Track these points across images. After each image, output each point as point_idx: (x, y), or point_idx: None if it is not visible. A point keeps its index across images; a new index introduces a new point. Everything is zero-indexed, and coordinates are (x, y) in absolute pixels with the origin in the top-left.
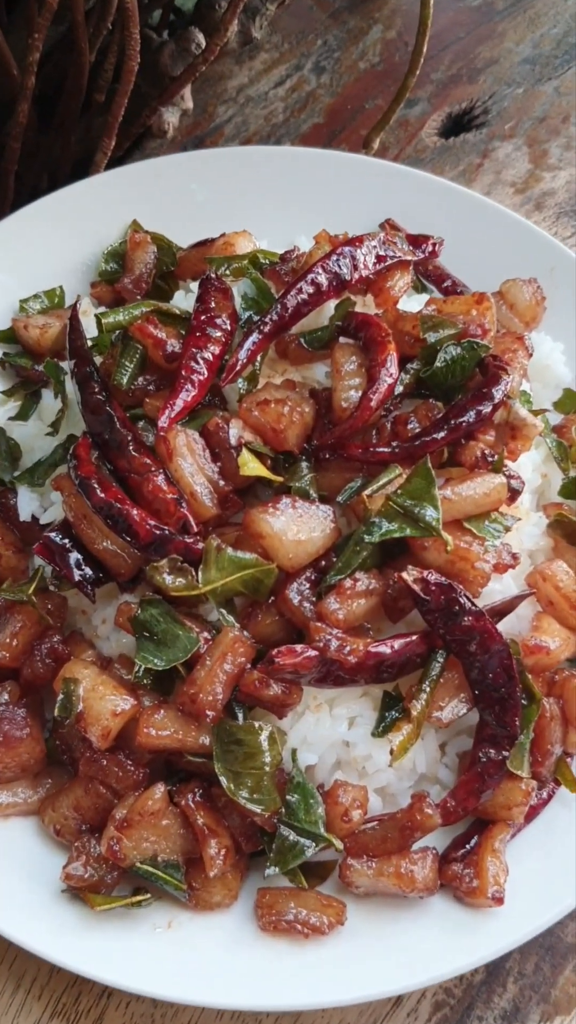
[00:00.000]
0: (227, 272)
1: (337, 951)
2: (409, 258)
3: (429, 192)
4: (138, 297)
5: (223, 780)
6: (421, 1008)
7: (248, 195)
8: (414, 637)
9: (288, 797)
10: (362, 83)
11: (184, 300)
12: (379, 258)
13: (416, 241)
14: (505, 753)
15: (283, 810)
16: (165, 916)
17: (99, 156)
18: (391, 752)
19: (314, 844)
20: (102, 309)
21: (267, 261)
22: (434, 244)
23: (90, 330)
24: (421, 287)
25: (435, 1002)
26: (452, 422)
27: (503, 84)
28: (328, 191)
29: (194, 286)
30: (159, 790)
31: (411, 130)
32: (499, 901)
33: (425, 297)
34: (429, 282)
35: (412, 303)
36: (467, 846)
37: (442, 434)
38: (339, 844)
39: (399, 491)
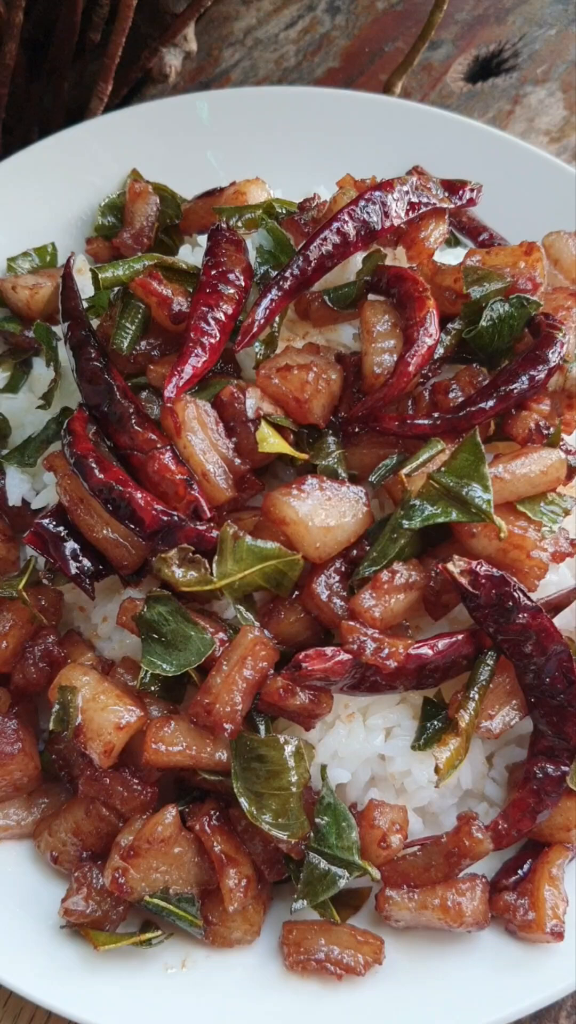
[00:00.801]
0: (239, 224)
1: (374, 994)
2: (445, 205)
3: (460, 136)
4: (139, 253)
5: (243, 802)
6: None
7: (261, 140)
8: (460, 637)
9: (317, 820)
10: (380, 24)
11: (191, 255)
12: (412, 205)
13: (452, 187)
14: (564, 768)
15: (312, 835)
16: (178, 955)
17: (94, 103)
18: (436, 770)
19: (348, 873)
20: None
21: (284, 210)
22: (472, 190)
23: (86, 290)
24: (454, 241)
25: None
26: (501, 389)
27: (534, 25)
28: (349, 136)
29: (202, 240)
30: (170, 814)
31: (435, 74)
32: (559, 936)
33: (461, 251)
34: (463, 235)
35: (446, 258)
36: (520, 872)
37: (490, 403)
38: (376, 873)
39: (442, 469)
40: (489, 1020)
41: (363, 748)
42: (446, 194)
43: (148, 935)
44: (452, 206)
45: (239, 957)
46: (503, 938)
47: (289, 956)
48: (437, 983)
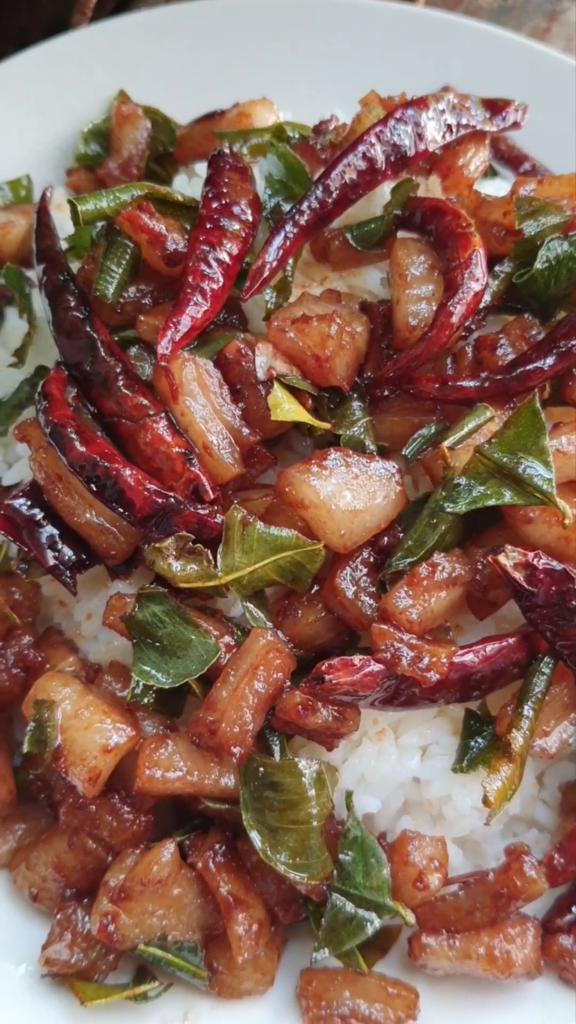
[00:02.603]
0: (244, 150)
1: None
2: (487, 128)
3: (496, 51)
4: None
5: (255, 838)
6: None
7: (268, 55)
8: (510, 641)
9: (342, 856)
10: None
11: (187, 187)
12: (448, 127)
13: (493, 107)
14: None
15: (335, 873)
16: (179, 1007)
17: (77, 16)
18: (486, 802)
19: (377, 917)
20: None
21: (296, 135)
22: (517, 111)
23: (65, 228)
24: (491, 172)
25: None
26: (561, 345)
27: None
28: (368, 49)
29: (200, 169)
30: (168, 851)
31: None
32: None
33: (501, 184)
34: (502, 164)
35: (485, 190)
36: (575, 911)
37: (549, 361)
38: (411, 917)
39: (492, 441)
40: None
41: (395, 771)
42: (487, 115)
43: (143, 987)
44: (494, 128)
45: (249, 1009)
46: (557, 988)
47: (308, 1011)
48: None
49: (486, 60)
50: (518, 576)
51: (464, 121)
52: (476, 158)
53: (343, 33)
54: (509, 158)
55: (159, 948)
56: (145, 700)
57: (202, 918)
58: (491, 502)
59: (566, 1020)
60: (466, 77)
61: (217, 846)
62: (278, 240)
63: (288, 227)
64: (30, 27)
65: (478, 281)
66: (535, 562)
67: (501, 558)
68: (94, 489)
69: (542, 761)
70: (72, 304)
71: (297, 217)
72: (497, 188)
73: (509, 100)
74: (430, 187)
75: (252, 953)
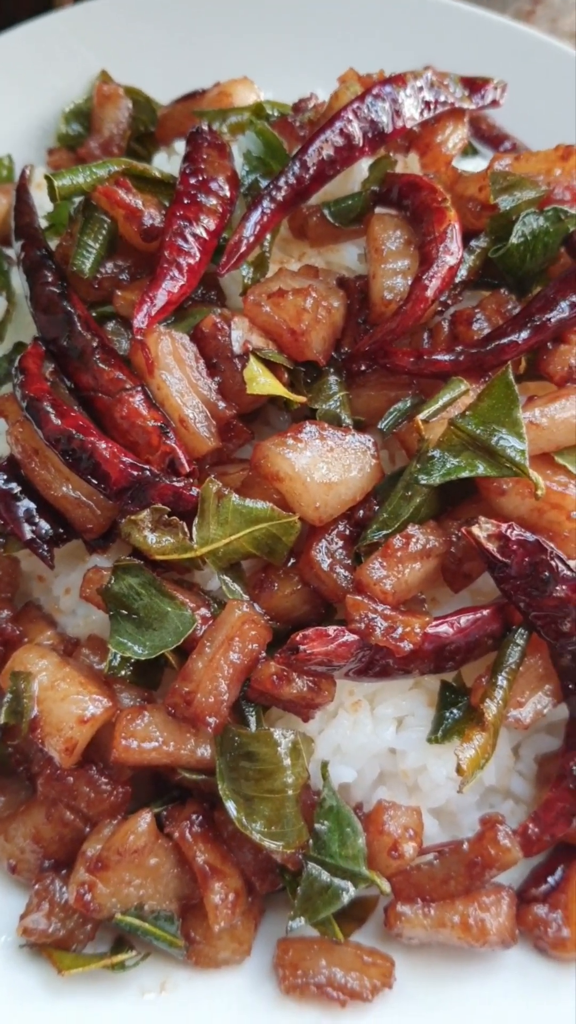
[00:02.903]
0: (223, 129)
1: (383, 1022)
2: (466, 105)
3: (478, 31)
4: None
5: (231, 808)
6: None
7: (249, 34)
8: (485, 612)
9: (317, 825)
10: None
11: (167, 164)
12: (427, 104)
13: (472, 85)
14: None
15: (311, 842)
16: (156, 977)
17: None
18: (458, 771)
19: (353, 886)
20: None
21: (276, 113)
22: (496, 88)
23: (45, 207)
24: (471, 150)
25: None
26: (535, 319)
27: None
28: (350, 29)
29: (180, 147)
30: (144, 820)
31: None
32: None
33: (480, 162)
34: (482, 143)
35: (465, 167)
36: (551, 881)
37: (524, 335)
38: (386, 886)
39: (467, 414)
40: None
41: (371, 741)
42: (466, 92)
43: (121, 956)
44: (473, 106)
45: (227, 979)
46: (531, 957)
47: (285, 979)
48: (455, 1010)
49: (469, 41)
50: (491, 547)
51: (442, 98)
52: (454, 135)
53: (326, 13)
54: (490, 137)
55: (136, 917)
56: (123, 672)
57: (179, 888)
58: (465, 474)
59: (541, 988)
60: (449, 58)
61: (194, 816)
62: (255, 215)
63: (266, 203)
64: (16, 7)
65: (453, 255)
66: (508, 533)
67: (475, 529)
68: (70, 462)
69: (518, 733)
70: (50, 280)
71: (275, 193)
72: (477, 167)
73: (488, 78)
74: (408, 164)
75: (228, 922)
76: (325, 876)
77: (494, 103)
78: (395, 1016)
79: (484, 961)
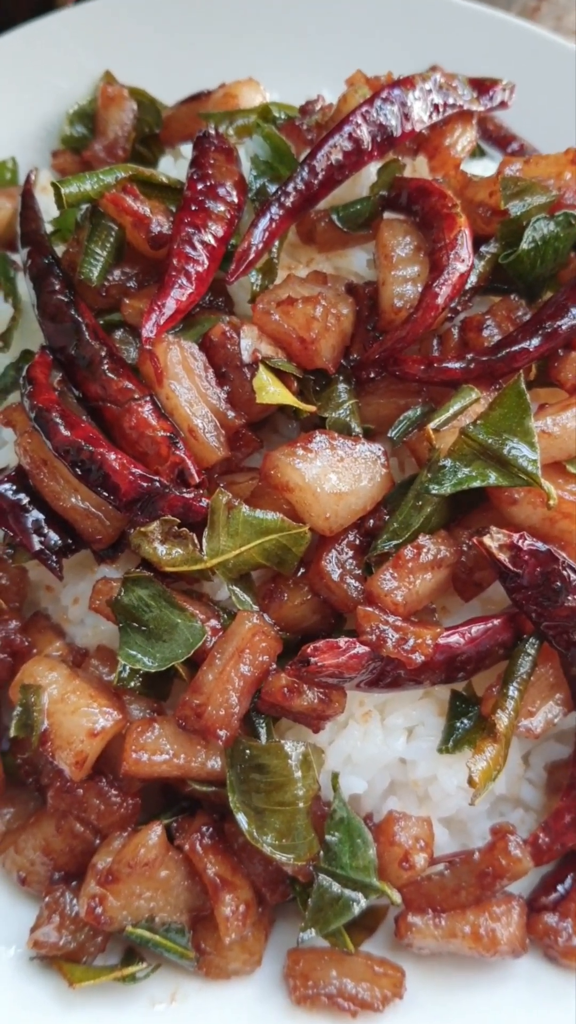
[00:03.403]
0: (230, 131)
1: None
2: (474, 107)
3: (484, 30)
4: None
5: (241, 820)
6: None
7: (255, 34)
8: (496, 622)
9: (328, 837)
10: None
11: (174, 168)
12: (435, 107)
13: (480, 87)
14: None
15: (321, 854)
16: (167, 988)
17: None
18: (470, 782)
19: (364, 897)
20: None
21: (283, 115)
22: (505, 90)
23: (51, 211)
24: (479, 152)
25: None
26: (547, 326)
27: None
28: (355, 30)
29: (186, 150)
30: (155, 833)
31: None
32: None
33: (488, 163)
34: (489, 144)
35: (473, 170)
36: (560, 889)
37: (535, 342)
38: (396, 897)
39: (478, 423)
40: None
41: (381, 752)
42: (475, 94)
43: (131, 968)
44: (482, 108)
45: (237, 990)
46: (542, 965)
47: (295, 989)
48: (466, 1019)
49: (475, 40)
50: (503, 557)
51: (451, 101)
52: (463, 138)
53: (331, 12)
54: (497, 138)
55: (147, 930)
56: (132, 684)
57: (189, 900)
58: (476, 483)
59: (551, 997)
60: (455, 57)
61: (204, 828)
62: (264, 222)
63: (274, 209)
64: (17, 7)
65: (464, 262)
66: (520, 543)
67: (486, 539)
68: (79, 473)
69: (528, 741)
70: (57, 287)
71: (283, 199)
72: (485, 168)
73: (497, 79)
74: (417, 167)
75: (239, 934)
76: (336, 887)
77: (503, 104)
78: None
79: (494, 970)
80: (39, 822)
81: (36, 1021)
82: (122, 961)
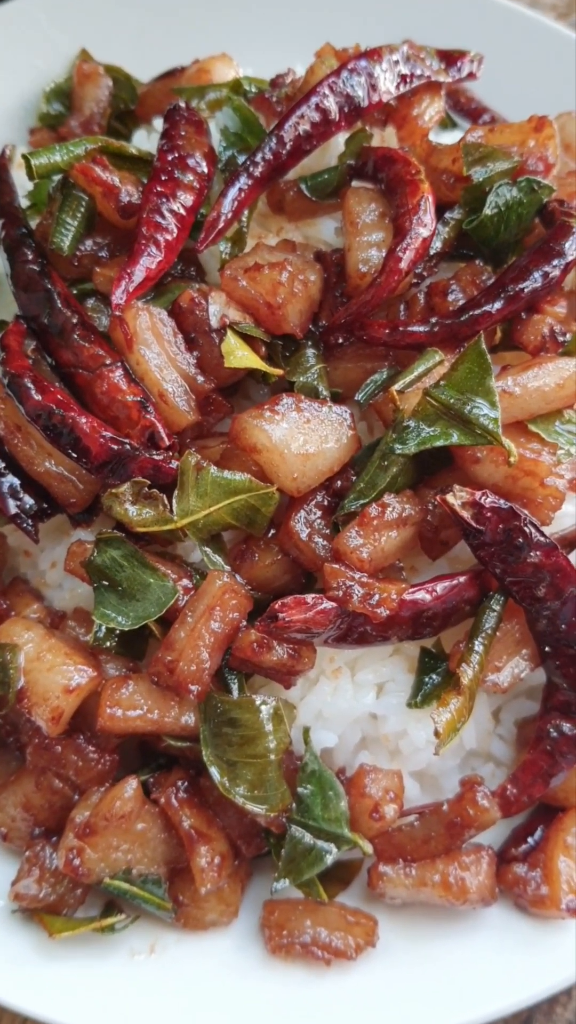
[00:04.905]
0: (202, 106)
1: (367, 980)
2: (441, 78)
3: (456, 5)
4: None
5: (214, 773)
6: None
7: (226, 10)
8: (461, 579)
9: (300, 789)
10: None
11: (147, 141)
12: (402, 78)
13: (449, 58)
14: None
15: (294, 806)
16: (146, 939)
17: None
18: (436, 733)
19: (336, 848)
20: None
21: (254, 88)
22: (472, 61)
23: (26, 186)
24: (450, 123)
25: None
26: (509, 289)
27: None
28: (329, 6)
29: (160, 125)
30: (130, 787)
31: None
32: (575, 912)
33: (458, 135)
34: (461, 116)
35: (443, 140)
36: (531, 841)
37: (497, 306)
38: (368, 847)
39: (441, 384)
40: (497, 1007)
41: (352, 707)
42: (442, 65)
43: (110, 919)
44: (449, 79)
45: (214, 941)
46: (512, 914)
47: (271, 939)
48: (437, 966)
49: (446, 14)
50: (466, 515)
51: (418, 72)
52: (430, 108)
53: None
54: (468, 110)
55: (124, 881)
56: (108, 644)
57: (166, 852)
58: (439, 443)
59: (521, 944)
60: (426, 31)
61: (179, 783)
62: (233, 192)
63: (243, 178)
64: None
65: (426, 227)
66: (483, 501)
67: (449, 497)
68: (51, 437)
69: (498, 697)
70: (30, 258)
71: (252, 168)
72: (455, 140)
73: (465, 51)
74: (386, 137)
75: (215, 885)
76: (308, 838)
77: (471, 76)
78: (379, 973)
79: (466, 919)
80: (19, 779)
81: (18, 971)
82: (101, 913)
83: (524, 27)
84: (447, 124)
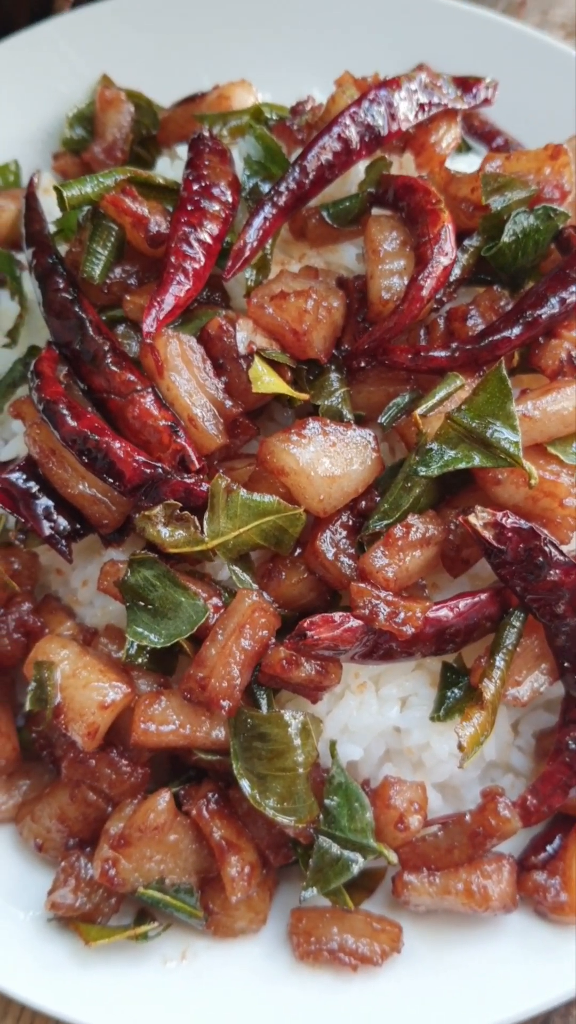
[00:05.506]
0: (223, 132)
1: (392, 985)
2: (458, 105)
3: (469, 28)
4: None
5: (245, 785)
6: None
7: (245, 37)
8: (483, 596)
9: (327, 801)
10: None
11: (171, 169)
12: (421, 106)
13: (464, 85)
14: None
15: (321, 817)
16: (177, 946)
17: (60, 2)
18: (460, 747)
19: (362, 857)
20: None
21: (274, 115)
22: (488, 88)
23: (53, 212)
24: (465, 147)
25: None
26: (528, 315)
27: None
28: (345, 30)
29: (182, 151)
30: (163, 799)
31: None
32: None
33: (474, 159)
34: (475, 140)
35: (458, 166)
36: (549, 849)
37: (516, 331)
38: (393, 857)
39: (463, 408)
40: (518, 1011)
41: (376, 721)
42: (459, 92)
43: (144, 927)
44: (466, 106)
45: (244, 948)
46: (532, 921)
47: (299, 946)
48: (460, 971)
49: (460, 38)
50: (487, 535)
51: (436, 99)
52: (448, 135)
53: (320, 14)
54: (482, 133)
55: (157, 891)
56: (139, 660)
57: (197, 862)
58: (462, 465)
59: (541, 950)
60: (440, 55)
61: (210, 794)
62: (258, 221)
63: (267, 208)
64: (17, 12)
65: (447, 255)
66: (503, 521)
67: (471, 518)
68: (86, 461)
69: (517, 710)
70: (61, 286)
71: (276, 198)
72: (471, 163)
73: (480, 77)
74: (404, 164)
75: (245, 893)
76: (335, 849)
77: (486, 101)
78: (404, 979)
79: (487, 926)
80: (54, 792)
81: (55, 978)
82: (135, 921)
83: (532, 48)
84: (462, 148)
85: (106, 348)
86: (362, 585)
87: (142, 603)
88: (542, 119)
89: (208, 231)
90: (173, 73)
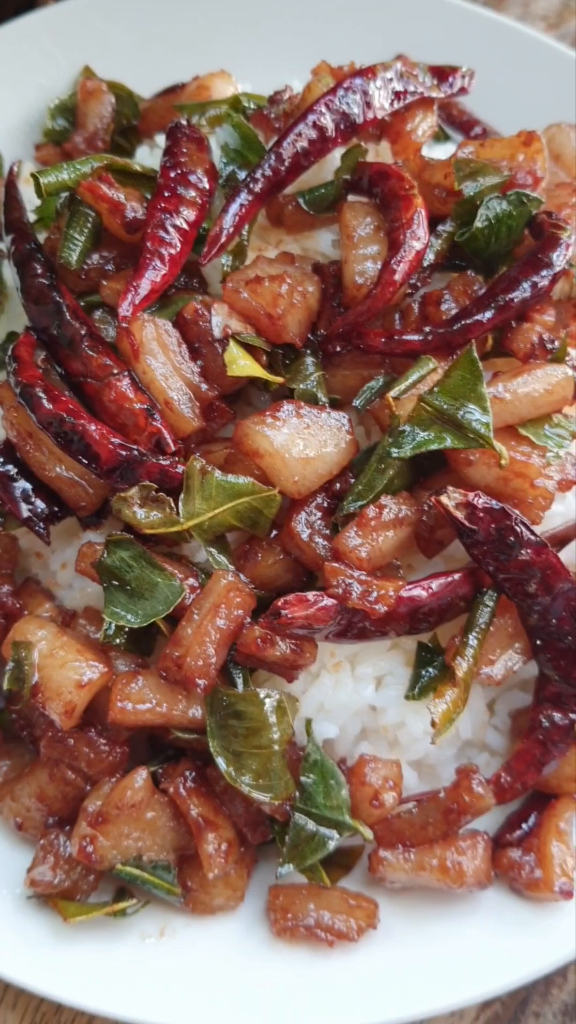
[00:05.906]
0: (202, 122)
1: (369, 961)
2: (434, 94)
3: (449, 20)
4: None
5: (221, 763)
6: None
7: (225, 29)
8: (456, 576)
9: (303, 778)
10: None
11: (150, 158)
12: (396, 95)
13: (441, 74)
14: (573, 715)
15: (297, 795)
16: (156, 923)
17: None
18: (432, 724)
19: (337, 834)
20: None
21: (253, 105)
22: (464, 77)
23: (33, 201)
24: (443, 136)
25: None
26: (500, 299)
27: None
28: (325, 21)
29: (162, 140)
30: (140, 777)
31: None
32: (568, 895)
33: (452, 148)
34: (453, 129)
35: (436, 154)
36: (525, 827)
37: (488, 315)
38: (368, 833)
39: (435, 390)
40: (494, 986)
41: (352, 699)
42: (435, 81)
43: (122, 904)
44: (442, 95)
45: (222, 924)
46: (507, 897)
47: (276, 922)
48: (436, 947)
49: (439, 29)
50: (459, 515)
51: (412, 88)
52: (424, 123)
53: (303, 4)
54: (461, 122)
55: (135, 868)
56: (117, 641)
57: (175, 839)
58: (434, 446)
59: (516, 925)
60: (420, 45)
61: (187, 773)
62: (234, 207)
63: (243, 194)
64: (0, 7)
65: (419, 240)
66: (475, 501)
67: (443, 499)
68: (62, 444)
69: (492, 689)
70: (39, 272)
71: (252, 185)
72: (449, 152)
73: (456, 67)
74: (380, 152)
75: (222, 870)
76: (311, 825)
77: (462, 90)
78: (381, 954)
79: (463, 903)
80: (33, 771)
81: (35, 954)
82: (113, 898)
83: (512, 40)
84: (440, 137)
85: (83, 332)
86: (336, 565)
87: (118, 584)
88: (522, 110)
89: (184, 217)
90: (155, 65)
